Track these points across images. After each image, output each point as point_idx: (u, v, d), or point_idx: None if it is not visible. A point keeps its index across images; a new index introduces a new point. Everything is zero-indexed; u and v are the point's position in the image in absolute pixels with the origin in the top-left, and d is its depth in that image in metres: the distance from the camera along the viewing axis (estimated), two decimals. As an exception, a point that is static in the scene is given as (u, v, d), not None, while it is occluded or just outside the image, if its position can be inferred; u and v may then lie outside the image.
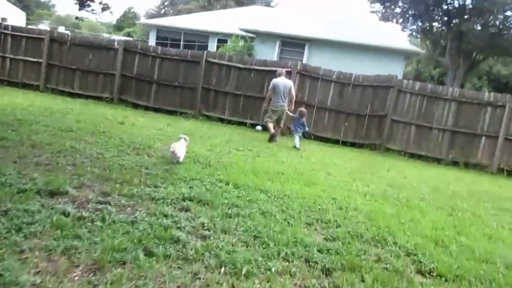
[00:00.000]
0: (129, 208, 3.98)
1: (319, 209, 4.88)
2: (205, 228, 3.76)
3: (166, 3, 48.98)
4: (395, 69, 16.29)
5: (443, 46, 33.48)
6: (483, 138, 10.86)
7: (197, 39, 26.36)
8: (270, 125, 10.16)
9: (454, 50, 30.58)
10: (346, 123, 11.64)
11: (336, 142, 11.75)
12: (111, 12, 8.29)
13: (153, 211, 3.94)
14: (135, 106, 12.80)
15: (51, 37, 13.07)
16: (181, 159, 6.15)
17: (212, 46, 25.21)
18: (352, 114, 11.60)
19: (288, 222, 4.23)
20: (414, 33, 36.83)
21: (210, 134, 9.56)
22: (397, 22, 34.79)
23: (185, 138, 6.61)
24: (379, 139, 11.44)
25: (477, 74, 37.35)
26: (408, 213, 5.34)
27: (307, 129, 10.40)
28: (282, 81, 10.12)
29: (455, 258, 3.88)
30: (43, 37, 13.05)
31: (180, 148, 6.22)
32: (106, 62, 12.89)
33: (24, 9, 76.83)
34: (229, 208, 4.38)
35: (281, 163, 7.46)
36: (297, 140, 9.79)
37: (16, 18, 27.76)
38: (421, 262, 3.70)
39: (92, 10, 7.53)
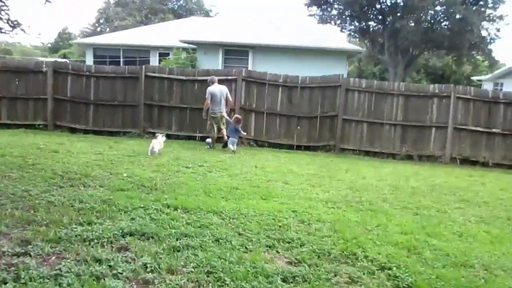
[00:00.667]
0: (53, 257, 3.30)
1: (280, 226, 4.40)
2: (148, 270, 3.16)
3: (101, 21, 47.26)
4: (340, 69, 16.35)
5: (381, 44, 34.54)
6: (433, 129, 10.93)
7: (138, 54, 25.47)
8: (214, 135, 10.51)
9: (392, 47, 31.60)
10: (298, 127, 11.35)
11: (290, 147, 11.42)
12: (24, 31, 7.44)
13: (83, 257, 3.28)
14: (73, 130, 11.81)
15: (-31, 64, 11.83)
16: (156, 152, 8.40)
17: (154, 60, 24.41)
18: (304, 117, 11.33)
19: (246, 248, 3.71)
20: (352, 33, 37.77)
21: (158, 153, 8.87)
22: (335, 24, 35.55)
23: (162, 135, 9.13)
24: (332, 140, 11.23)
25: (415, 68, 38.86)
26: (374, 218, 5.00)
27: (243, 133, 10.73)
28: (217, 88, 10.33)
29: (432, 267, 3.53)
30: (-40, 64, 11.78)
31: (156, 143, 8.72)
32: (36, 87, 11.81)
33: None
34: (177, 239, 3.80)
35: (235, 177, 6.95)
36: (233, 144, 10.12)
37: None
38: (397, 277, 3.31)
39: (0, 29, 6.65)
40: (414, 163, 10.56)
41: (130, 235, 3.86)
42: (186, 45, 21.35)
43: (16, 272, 2.94)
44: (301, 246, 3.84)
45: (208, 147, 10.42)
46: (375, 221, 4.85)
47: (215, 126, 10.41)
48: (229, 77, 11.30)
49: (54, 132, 11.54)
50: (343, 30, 36.94)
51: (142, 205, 4.83)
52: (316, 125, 11.34)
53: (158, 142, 8.95)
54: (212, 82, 10.35)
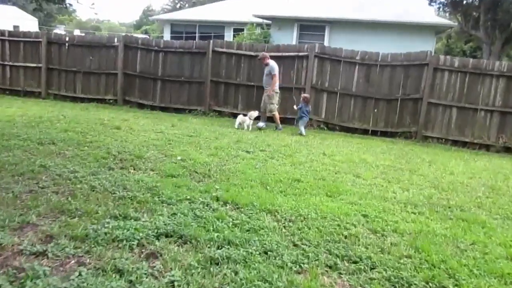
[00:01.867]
0: (72, 261, 2.83)
1: (345, 236, 3.59)
2: (174, 290, 2.56)
3: (180, -3, 47.93)
4: (426, 47, 14.56)
5: (475, 19, 30.97)
6: (541, 117, 9.19)
7: (213, 30, 25.32)
8: (277, 115, 10.02)
9: (488, 22, 28.15)
10: (376, 110, 10.18)
11: (364, 132, 10.32)
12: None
13: (104, 265, 2.77)
14: (141, 106, 11.75)
15: (48, 39, 12.14)
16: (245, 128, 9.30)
17: (229, 36, 24.12)
18: (382, 99, 10.13)
19: (301, 266, 2.97)
20: (442, 7, 34.31)
21: (218, 134, 8.36)
22: (423, -4, 32.49)
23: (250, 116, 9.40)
24: (414, 126, 9.93)
25: (516, 46, 34.44)
26: (468, 232, 3.97)
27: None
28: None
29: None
30: (40, 40, 12.14)
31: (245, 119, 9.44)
32: (107, 62, 11.87)
33: (46, 17, 78.03)
34: (218, 247, 3.17)
35: (299, 166, 6.18)
36: (303, 128, 9.61)
37: (28, 24, 27.35)
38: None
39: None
40: (513, 157, 8.98)
41: (166, 237, 3.31)
42: (260, 20, 20.62)
43: (21, 281, 2.48)
44: (371, 269, 3.01)
45: (263, 126, 9.75)
46: (470, 236, 3.83)
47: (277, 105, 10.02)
48: (300, 53, 10.38)
49: (122, 108, 11.55)
50: (431, 4, 33.79)
51: (188, 197, 4.28)
52: (396, 109, 10.10)
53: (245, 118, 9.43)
54: (267, 58, 9.78)
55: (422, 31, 17.97)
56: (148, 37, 24.19)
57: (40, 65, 12.25)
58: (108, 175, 4.91)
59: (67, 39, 12.20)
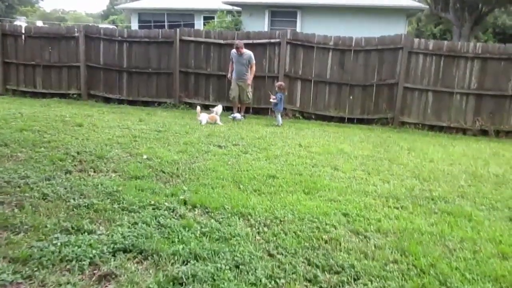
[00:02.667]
0: (6, 293, 2.39)
1: (325, 241, 3.26)
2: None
3: (148, -15, 46.39)
4: (398, 30, 14.44)
5: (444, 1, 31.19)
6: (516, 99, 9.12)
7: (182, 18, 24.59)
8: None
9: (457, 4, 28.36)
10: (351, 97, 9.92)
11: (341, 120, 10.06)
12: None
13: (44, 295, 2.35)
14: (107, 100, 11.14)
15: (3, 31, 11.32)
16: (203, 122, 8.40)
17: (199, 24, 23.48)
18: (357, 86, 9.86)
19: (276, 283, 2.62)
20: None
21: (189, 128, 7.92)
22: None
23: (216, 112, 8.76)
24: (391, 112, 9.73)
25: (484, 28, 35.00)
26: (455, 227, 3.72)
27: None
28: None
29: None
30: (-6, 31, 11.30)
31: (204, 117, 8.60)
32: (69, 54, 11.16)
33: (8, 8, 74.72)
34: (183, 262, 2.79)
35: (274, 160, 5.83)
36: (280, 116, 9.27)
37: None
38: None
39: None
40: (490, 140, 8.88)
41: (124, 252, 2.91)
42: (230, 7, 20.05)
43: None
44: (355, 280, 2.70)
45: (239, 118, 9.38)
46: (457, 232, 3.58)
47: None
48: (272, 40, 9.98)
49: (87, 102, 10.92)
50: (402, -13, 33.79)
51: (152, 202, 3.87)
52: (371, 95, 9.85)
53: (208, 115, 8.73)
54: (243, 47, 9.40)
55: (394, 15, 17.83)
56: (111, 27, 23.24)
57: (-6, 59, 11.44)
58: (64, 180, 4.44)
59: (23, 30, 11.41)
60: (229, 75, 9.58)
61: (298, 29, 17.35)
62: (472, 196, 4.74)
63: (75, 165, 5.06)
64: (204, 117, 8.56)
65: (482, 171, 6.04)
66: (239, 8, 19.79)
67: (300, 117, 10.16)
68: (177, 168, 5.13)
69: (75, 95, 11.24)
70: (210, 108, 9.09)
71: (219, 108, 8.98)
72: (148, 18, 25.77)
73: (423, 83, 9.49)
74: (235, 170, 5.19)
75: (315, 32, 10.13)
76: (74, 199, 3.87)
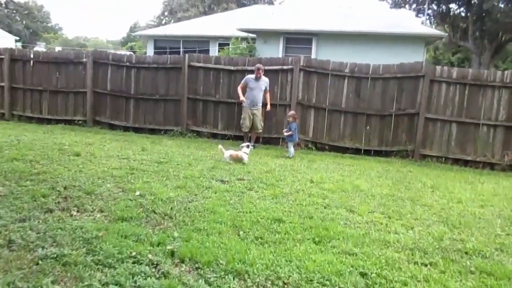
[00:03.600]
0: None
1: (339, 315, 2.61)
2: None
3: (166, 13, 47.35)
4: (416, 58, 13.77)
5: (463, 29, 30.74)
6: (549, 132, 8.36)
7: (197, 45, 24.57)
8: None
9: (477, 32, 27.82)
10: (368, 127, 9.30)
11: (356, 152, 9.41)
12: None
13: None
14: (112, 127, 10.75)
15: (12, 56, 11.15)
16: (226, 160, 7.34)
17: (214, 51, 23.40)
18: (374, 115, 9.26)
19: None
20: (430, 18, 34.06)
21: (192, 158, 7.39)
22: (410, 8, 32.32)
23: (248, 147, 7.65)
24: (411, 144, 9.05)
25: (504, 56, 34.24)
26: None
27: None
28: None
29: None
30: (3, 56, 11.14)
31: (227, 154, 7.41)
32: (76, 79, 10.89)
33: (32, 35, 77.13)
34: None
35: (282, 199, 5.21)
36: (292, 148, 8.64)
37: (5, 42, 26.36)
38: None
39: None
40: (522, 177, 8.10)
41: (83, 328, 2.31)
42: (245, 34, 19.89)
43: None
44: None
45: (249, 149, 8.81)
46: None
47: None
48: (285, 67, 9.51)
49: (92, 129, 10.53)
50: (419, 15, 33.58)
51: (134, 253, 3.30)
52: (390, 125, 9.22)
53: (232, 152, 7.55)
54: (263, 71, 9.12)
55: (412, 42, 17.33)
56: (128, 53, 23.32)
57: (2, 84, 11.24)
58: (41, 222, 3.91)
59: (31, 55, 11.22)
60: (241, 98, 9.08)
61: (313, 56, 16.96)
62: (513, 249, 4.03)
63: (58, 202, 4.54)
64: (227, 154, 7.42)
65: (520, 215, 5.30)
66: (254, 35, 19.61)
67: (313, 148, 9.55)
68: (171, 208, 4.56)
69: (80, 122, 10.90)
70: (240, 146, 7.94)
71: (246, 148, 7.72)
72: (163, 44, 25.87)
73: (446, 114, 8.83)
74: (236, 211, 4.59)
75: (331, 59, 9.62)
76: (43, 247, 3.31)
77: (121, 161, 6.84)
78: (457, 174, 7.94)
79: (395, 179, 6.98)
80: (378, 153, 9.29)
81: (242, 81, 9.17)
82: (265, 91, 9.07)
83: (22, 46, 39.40)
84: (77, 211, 4.33)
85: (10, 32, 54.07)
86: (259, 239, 3.84)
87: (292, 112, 8.92)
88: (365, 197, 5.65)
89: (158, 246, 3.48)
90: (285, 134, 8.71)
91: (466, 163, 8.79)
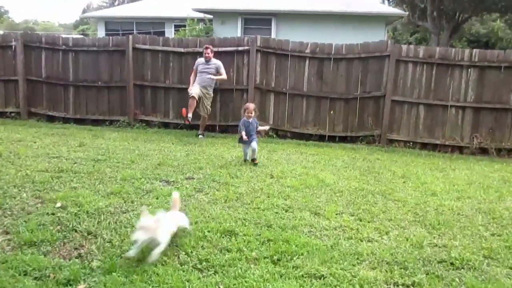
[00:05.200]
0: None
1: None
2: None
3: (118, -6, 44.83)
4: (377, 38, 13.26)
5: (422, 9, 30.78)
6: (520, 113, 8.00)
7: (152, 27, 23.22)
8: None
9: (435, 12, 27.86)
10: (332, 112, 8.65)
11: (321, 138, 8.76)
12: None
13: None
14: (51, 119, 9.56)
15: None
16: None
17: (169, 32, 22.21)
18: (339, 99, 8.61)
19: None
20: (388, -2, 33.97)
21: (137, 154, 6.47)
22: (369, -12, 32.00)
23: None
24: (377, 129, 8.49)
25: (461, 36, 34.71)
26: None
27: (264, 128, 7.20)
28: None
29: None
30: None
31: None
32: (5, 66, 9.57)
33: (-27, 18, 71.71)
34: None
35: (235, 202, 4.44)
36: (251, 150, 6.29)
37: None
38: None
39: None
40: (492, 161, 7.71)
41: None
42: (202, 15, 18.78)
43: None
44: None
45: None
46: None
47: None
48: (240, 48, 8.65)
49: (27, 122, 9.30)
50: (378, -5, 33.40)
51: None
52: (355, 109, 8.60)
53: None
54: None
55: (373, 22, 16.88)
56: (80, 37, 21.63)
57: None
58: None
59: (-50, 40, 9.75)
60: (190, 87, 8.20)
61: (273, 36, 16.16)
62: (504, 255, 3.45)
63: None
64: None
65: (499, 207, 4.79)
66: (210, 16, 18.55)
67: (274, 135, 8.82)
68: (98, 223, 3.70)
69: (13, 114, 9.63)
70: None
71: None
72: (115, 27, 24.29)
73: (413, 96, 8.30)
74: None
75: (289, 39, 8.84)
76: None
77: (50, 161, 5.84)
78: (426, 160, 7.44)
79: (363, 169, 6.36)
80: (343, 140, 8.68)
81: (194, 66, 8.30)
82: (215, 74, 8.22)
83: (-37, 31, 36.19)
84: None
85: None
86: (204, 263, 3.06)
87: (248, 105, 6.62)
88: (332, 193, 4.97)
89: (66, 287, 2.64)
90: (244, 137, 6.25)
91: (434, 147, 8.33)
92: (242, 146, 6.44)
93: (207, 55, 8.07)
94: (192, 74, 8.32)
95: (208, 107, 8.32)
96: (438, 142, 8.29)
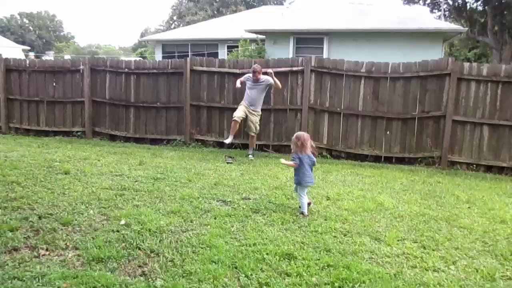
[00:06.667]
0: None
1: None
2: None
3: (174, 18, 46.95)
4: (435, 55, 12.89)
5: (481, 24, 29.55)
6: None
7: (206, 48, 24.09)
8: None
9: (496, 27, 26.63)
10: (388, 132, 8.43)
11: (376, 159, 8.54)
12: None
13: None
14: (113, 138, 10.07)
15: (7, 66, 10.56)
16: None
17: (223, 53, 22.87)
18: (395, 119, 8.38)
19: None
20: (445, 13, 32.90)
21: (193, 173, 6.63)
22: (423, 3, 31.31)
23: None
24: (437, 150, 8.15)
25: (524, 50, 32.76)
26: None
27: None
28: None
29: None
30: (-2, 66, 10.57)
31: None
32: (73, 88, 10.25)
33: (45, 44, 77.88)
34: None
35: (292, 225, 4.41)
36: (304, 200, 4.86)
37: (12, 52, 26.08)
38: None
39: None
40: None
41: None
42: (254, 36, 19.17)
43: None
44: None
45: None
46: None
47: None
48: (294, 68, 8.70)
49: (91, 141, 9.87)
50: (433, 11, 32.53)
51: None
52: (413, 130, 8.33)
53: None
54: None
55: (429, 39, 16.36)
56: (138, 59, 22.85)
57: (-2, 95, 10.68)
58: (-3, 267, 3.18)
59: (27, 64, 10.62)
60: (238, 83, 8.22)
61: (325, 56, 16.13)
62: None
63: (27, 237, 3.84)
64: None
65: None
66: (263, 36, 18.88)
67: (328, 155, 8.71)
68: (160, 241, 3.81)
69: (79, 133, 10.25)
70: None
71: None
72: (172, 49, 25.46)
73: (476, 116, 7.91)
74: (238, 244, 3.80)
75: (344, 58, 8.78)
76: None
77: (113, 179, 6.13)
78: (492, 184, 7.02)
79: (423, 193, 6.11)
80: (400, 161, 8.41)
81: (242, 78, 8.36)
82: (265, 91, 8.27)
83: (35, 56, 39.40)
84: (46, 250, 3.61)
85: (23, 42, 54.47)
86: (264, 286, 3.05)
87: (298, 134, 5.19)
88: (392, 218, 4.81)
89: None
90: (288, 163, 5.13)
91: (500, 170, 7.85)
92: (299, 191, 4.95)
93: (255, 78, 8.07)
94: (238, 80, 8.28)
95: (257, 125, 8.28)
96: (504, 164, 7.80)
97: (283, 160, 5.18)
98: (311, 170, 4.96)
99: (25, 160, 7.16)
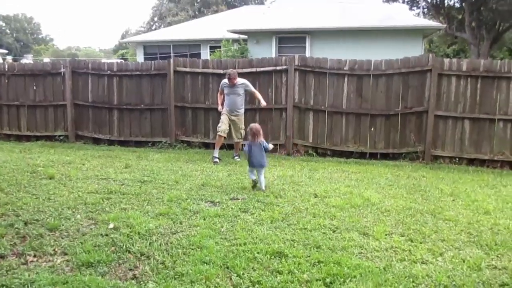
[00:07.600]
0: None
1: None
2: None
3: (155, 19, 46.57)
4: (415, 52, 13.13)
5: (459, 20, 30.14)
6: None
7: (188, 49, 23.97)
8: None
9: (474, 23, 27.17)
10: (372, 129, 8.53)
11: (361, 156, 8.64)
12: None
13: None
14: (97, 141, 9.95)
15: (-15, 70, 10.35)
16: None
17: (205, 54, 22.82)
18: (379, 115, 8.48)
19: None
20: (424, 10, 33.46)
21: (180, 175, 6.60)
22: (403, 1, 31.79)
23: None
24: (421, 145, 8.29)
25: (501, 45, 33.54)
26: None
27: (270, 146, 6.27)
28: None
29: None
30: (-24, 71, 10.33)
31: None
32: (54, 92, 10.09)
33: (23, 47, 76.40)
34: None
35: (282, 223, 4.43)
36: (253, 172, 5.93)
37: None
38: None
39: None
40: (546, 176, 7.34)
41: None
42: (237, 36, 19.18)
43: None
44: None
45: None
46: None
47: None
48: (278, 67, 8.73)
49: (74, 145, 9.71)
50: (412, 8, 33.05)
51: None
52: (396, 126, 8.44)
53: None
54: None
55: (409, 36, 16.65)
56: (119, 61, 22.59)
57: (-23, 100, 10.43)
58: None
59: (6, 68, 10.41)
60: (219, 107, 8.25)
61: (307, 54, 16.25)
62: None
63: (14, 244, 3.78)
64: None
65: (561, 227, 4.53)
66: (245, 36, 18.90)
67: (314, 153, 8.77)
68: (150, 244, 3.79)
69: (62, 137, 10.08)
70: None
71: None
72: (153, 50, 25.24)
73: (457, 110, 8.07)
74: (228, 244, 3.81)
75: (327, 57, 8.85)
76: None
77: (99, 182, 6.06)
78: (475, 176, 7.17)
79: (408, 187, 6.21)
80: (385, 156, 8.52)
81: (220, 87, 8.31)
82: (246, 93, 8.21)
83: (13, 60, 38.59)
84: (34, 256, 3.56)
85: (0, 46, 53.28)
86: (257, 285, 3.06)
87: (251, 125, 6.22)
88: (379, 213, 4.88)
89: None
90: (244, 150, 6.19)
91: (482, 163, 8.03)
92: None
93: (231, 83, 7.94)
94: (219, 95, 8.28)
95: (242, 131, 8.19)
96: (486, 157, 7.98)
97: None
98: (264, 153, 6.01)
99: (7, 166, 7.02)
